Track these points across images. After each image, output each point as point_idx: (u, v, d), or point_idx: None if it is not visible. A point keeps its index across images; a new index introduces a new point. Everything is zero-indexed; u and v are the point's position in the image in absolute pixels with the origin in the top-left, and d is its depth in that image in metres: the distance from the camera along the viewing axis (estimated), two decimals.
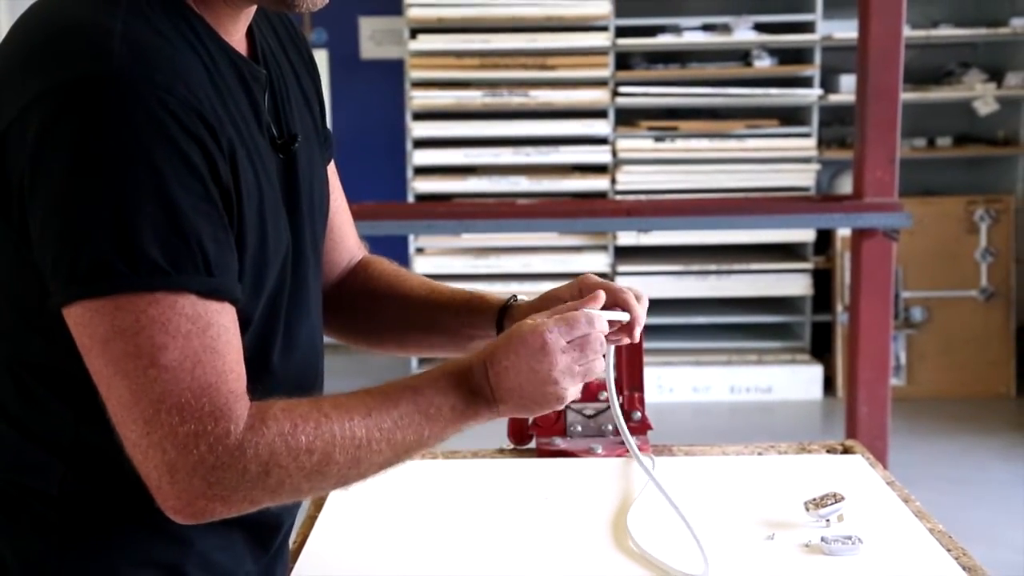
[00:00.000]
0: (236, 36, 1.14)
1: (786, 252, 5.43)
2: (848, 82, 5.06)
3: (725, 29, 5.28)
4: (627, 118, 5.38)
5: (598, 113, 5.31)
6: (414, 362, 5.37)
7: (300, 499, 1.12)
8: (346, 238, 1.41)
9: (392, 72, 5.77)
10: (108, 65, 0.97)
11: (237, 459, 1.01)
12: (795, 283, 5.33)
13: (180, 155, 0.98)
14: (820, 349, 5.37)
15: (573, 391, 1.16)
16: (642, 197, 5.07)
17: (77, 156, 0.96)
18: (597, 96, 5.27)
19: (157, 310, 0.98)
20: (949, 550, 1.37)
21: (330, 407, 1.07)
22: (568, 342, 1.15)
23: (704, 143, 5.28)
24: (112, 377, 0.99)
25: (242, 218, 1.06)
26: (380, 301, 1.40)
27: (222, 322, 1.02)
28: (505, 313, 1.33)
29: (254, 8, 1.15)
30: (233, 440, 1.00)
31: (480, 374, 1.15)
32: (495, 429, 1.44)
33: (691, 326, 5.43)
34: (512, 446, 1.72)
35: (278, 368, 1.16)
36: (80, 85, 0.97)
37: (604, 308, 1.22)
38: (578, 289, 1.29)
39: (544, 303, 1.30)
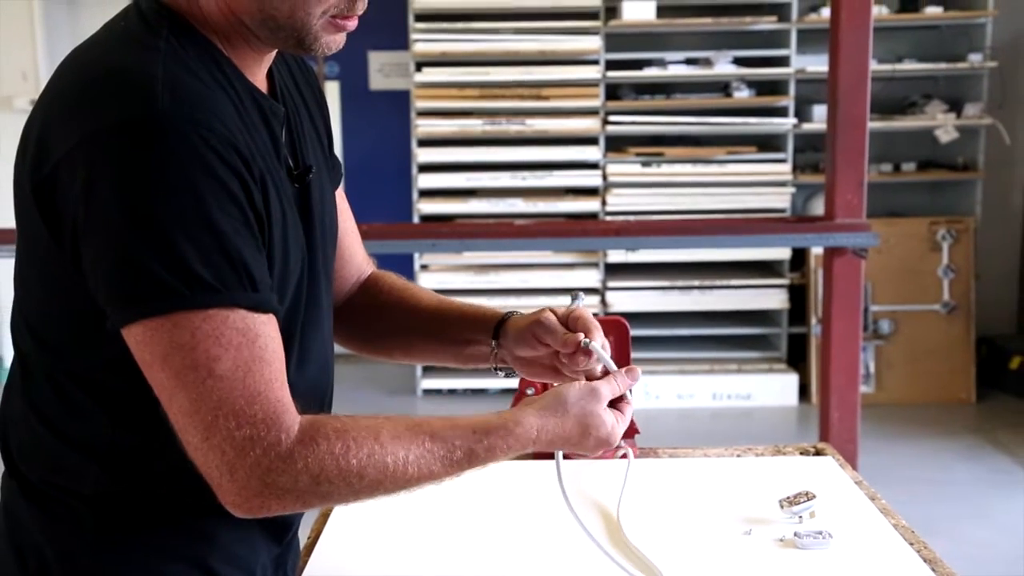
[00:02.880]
0: (259, 76, 1.16)
1: (764, 269, 5.43)
2: (820, 112, 5.09)
3: (707, 63, 5.30)
4: (616, 145, 5.39)
5: (589, 140, 5.32)
6: (419, 370, 5.37)
7: (347, 504, 1.14)
8: (355, 256, 1.43)
9: (399, 102, 5.78)
10: (153, 108, 0.99)
11: (289, 466, 1.02)
12: (772, 298, 5.34)
13: (221, 185, 1.00)
14: (795, 359, 5.37)
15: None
16: (630, 218, 5.08)
17: (128, 190, 0.98)
18: (589, 124, 5.28)
19: (211, 325, 1.00)
20: (911, 544, 1.38)
21: (388, 437, 1.07)
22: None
23: (687, 168, 5.29)
24: (173, 389, 1.00)
25: (271, 240, 1.08)
26: (390, 311, 1.41)
27: (268, 332, 1.03)
28: (502, 325, 1.34)
29: (275, 51, 1.17)
30: (284, 449, 1.02)
31: (540, 446, 1.17)
32: None
33: (675, 337, 5.44)
34: None
35: (292, 380, 1.17)
36: (129, 126, 0.99)
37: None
38: (570, 317, 1.29)
39: (538, 317, 1.31)
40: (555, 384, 1.29)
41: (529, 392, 1.61)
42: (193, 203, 0.98)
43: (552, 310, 1.31)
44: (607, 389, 1.20)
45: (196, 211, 0.99)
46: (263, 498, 1.02)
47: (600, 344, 1.25)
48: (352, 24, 1.12)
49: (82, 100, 1.02)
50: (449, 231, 3.62)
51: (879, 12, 5.03)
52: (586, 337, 1.24)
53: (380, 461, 1.05)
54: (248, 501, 1.02)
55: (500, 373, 1.36)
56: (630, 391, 1.24)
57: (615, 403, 1.22)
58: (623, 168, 5.30)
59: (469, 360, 1.38)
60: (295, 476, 1.02)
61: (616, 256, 5.28)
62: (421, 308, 1.39)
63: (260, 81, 1.16)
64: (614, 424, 1.19)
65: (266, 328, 1.03)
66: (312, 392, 1.23)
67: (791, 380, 5.24)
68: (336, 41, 1.12)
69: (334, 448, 1.04)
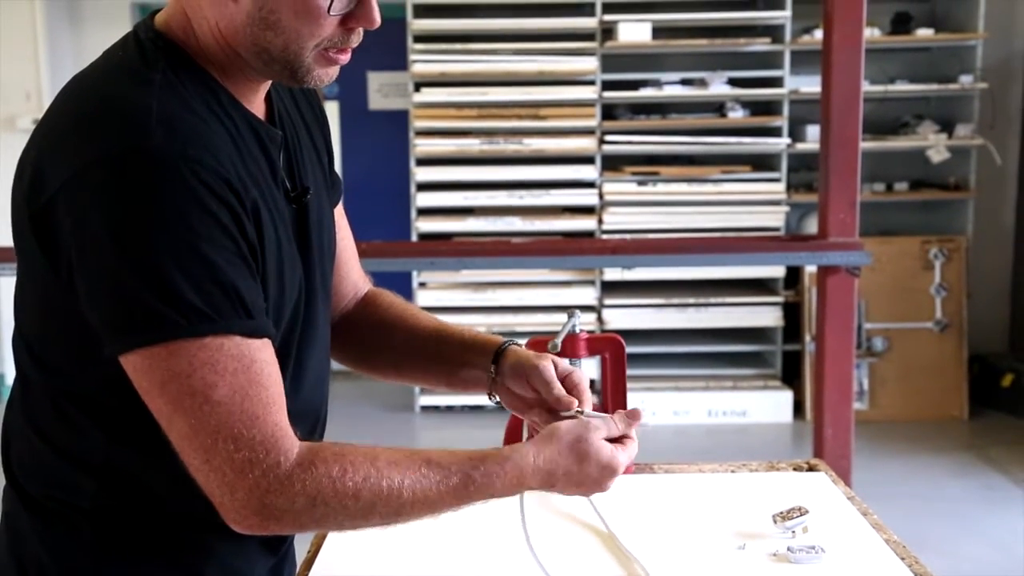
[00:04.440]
0: (255, 102, 1.17)
1: (758, 287, 5.45)
2: (813, 132, 5.11)
3: (702, 83, 5.33)
4: (612, 164, 5.41)
5: (586, 159, 5.34)
6: (417, 387, 5.36)
7: (343, 531, 1.13)
8: (352, 272, 1.43)
9: (398, 122, 5.81)
10: (147, 141, 1.00)
11: (286, 488, 1.03)
12: (767, 315, 5.35)
13: (212, 217, 1.01)
14: (790, 376, 5.38)
15: None
16: (626, 236, 5.09)
17: (122, 223, 0.99)
18: (585, 144, 5.30)
19: (206, 353, 1.01)
20: (903, 558, 1.39)
21: (384, 462, 1.08)
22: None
23: (683, 187, 5.31)
24: (172, 415, 1.02)
25: (264, 267, 1.09)
26: (389, 330, 1.41)
27: (263, 357, 1.05)
28: (502, 352, 1.33)
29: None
30: (283, 471, 1.03)
31: (537, 479, 1.15)
32: (494, 442, 1.45)
33: (671, 355, 5.44)
34: None
35: (288, 398, 1.17)
36: (123, 159, 1.00)
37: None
38: (567, 378, 1.28)
39: (537, 363, 1.29)
40: (537, 422, 1.29)
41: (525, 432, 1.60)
42: (185, 236, 1.00)
43: (554, 361, 1.29)
44: (601, 423, 1.19)
45: (188, 243, 1.00)
46: (260, 517, 1.04)
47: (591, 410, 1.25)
48: (345, 58, 1.13)
49: (78, 131, 1.04)
50: (447, 249, 3.63)
51: (871, 34, 5.06)
52: (579, 406, 1.24)
53: (376, 484, 1.06)
54: (247, 519, 1.04)
55: (493, 400, 1.35)
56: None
57: (617, 441, 1.20)
58: (619, 187, 5.32)
59: (459, 384, 1.37)
60: (292, 498, 1.03)
61: (612, 274, 5.29)
62: (421, 327, 1.40)
63: (257, 107, 1.17)
64: (613, 451, 1.17)
65: (261, 353, 1.05)
66: (307, 409, 1.24)
67: (785, 397, 5.24)
68: (329, 74, 1.13)
69: (331, 471, 1.05)
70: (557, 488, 1.17)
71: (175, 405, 1.01)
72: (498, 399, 1.34)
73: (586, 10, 5.29)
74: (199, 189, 1.01)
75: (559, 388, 1.26)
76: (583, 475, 1.16)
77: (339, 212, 1.37)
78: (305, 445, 1.06)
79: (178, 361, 1.00)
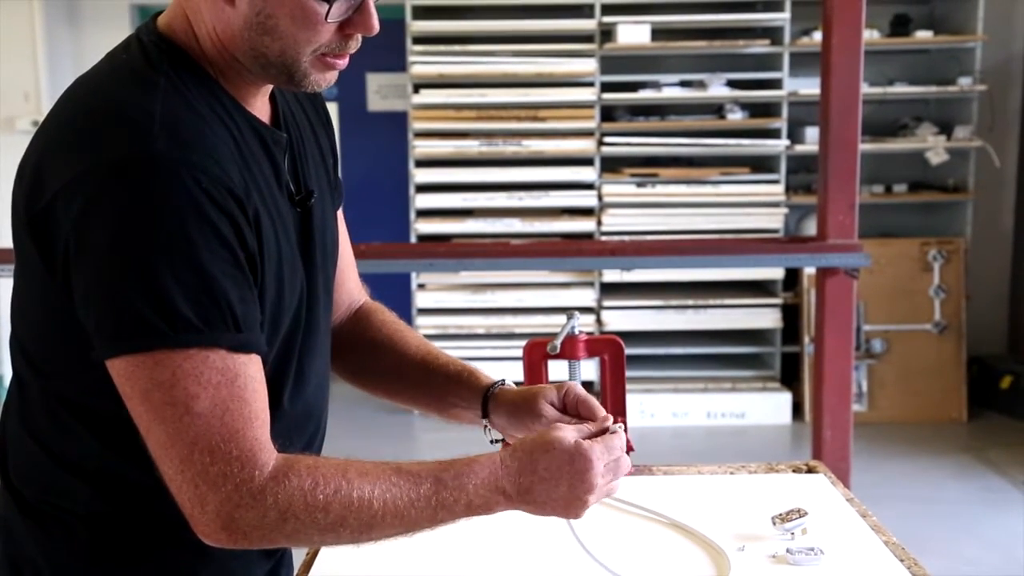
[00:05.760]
0: (258, 105, 1.17)
1: (757, 288, 5.45)
2: (812, 134, 5.12)
3: (701, 85, 5.33)
4: (611, 166, 5.42)
5: (585, 161, 5.35)
6: None
7: (315, 547, 1.12)
8: (348, 281, 1.42)
9: (397, 123, 5.81)
10: (150, 148, 1.00)
11: (259, 502, 1.03)
12: (766, 317, 5.35)
13: (212, 227, 1.01)
14: (789, 377, 5.38)
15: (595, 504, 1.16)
16: (625, 238, 5.10)
17: (121, 229, 0.99)
18: (584, 145, 5.31)
19: (191, 364, 1.01)
20: (902, 560, 1.39)
21: (355, 474, 1.07)
22: (605, 465, 1.14)
23: (682, 188, 5.31)
24: (151, 422, 1.02)
25: (263, 275, 1.09)
26: (379, 350, 1.40)
27: (249, 372, 1.04)
28: (490, 395, 1.32)
29: None
30: (256, 485, 1.03)
31: (510, 478, 1.12)
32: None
33: (670, 356, 5.45)
34: None
35: (287, 404, 1.18)
36: (123, 165, 1.00)
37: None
38: (561, 392, 1.28)
39: (528, 397, 1.29)
40: None
41: None
42: (182, 245, 0.99)
43: (543, 392, 1.28)
44: (572, 426, 1.16)
45: (185, 252, 1.00)
46: (228, 532, 1.03)
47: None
48: (343, 63, 1.12)
49: (79, 135, 1.03)
50: (446, 251, 3.62)
51: (870, 36, 5.07)
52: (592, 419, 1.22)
53: (346, 496, 1.05)
54: (215, 533, 1.04)
55: (495, 445, 1.34)
56: (624, 436, 1.19)
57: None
58: (618, 188, 5.33)
59: (453, 419, 1.37)
60: (263, 512, 1.03)
61: (611, 275, 5.30)
62: (410, 354, 1.38)
63: (260, 109, 1.17)
64: (578, 438, 1.13)
65: (247, 368, 1.04)
66: (309, 413, 1.23)
67: (784, 399, 5.24)
68: (327, 78, 1.13)
69: (303, 484, 1.04)
70: (535, 495, 1.12)
71: (155, 413, 1.01)
72: (498, 443, 1.32)
73: (585, 12, 5.29)
74: (200, 197, 1.00)
75: (569, 419, 1.24)
76: (554, 469, 1.11)
77: (339, 216, 1.36)
78: (281, 457, 1.06)
79: (162, 371, 1.00)
